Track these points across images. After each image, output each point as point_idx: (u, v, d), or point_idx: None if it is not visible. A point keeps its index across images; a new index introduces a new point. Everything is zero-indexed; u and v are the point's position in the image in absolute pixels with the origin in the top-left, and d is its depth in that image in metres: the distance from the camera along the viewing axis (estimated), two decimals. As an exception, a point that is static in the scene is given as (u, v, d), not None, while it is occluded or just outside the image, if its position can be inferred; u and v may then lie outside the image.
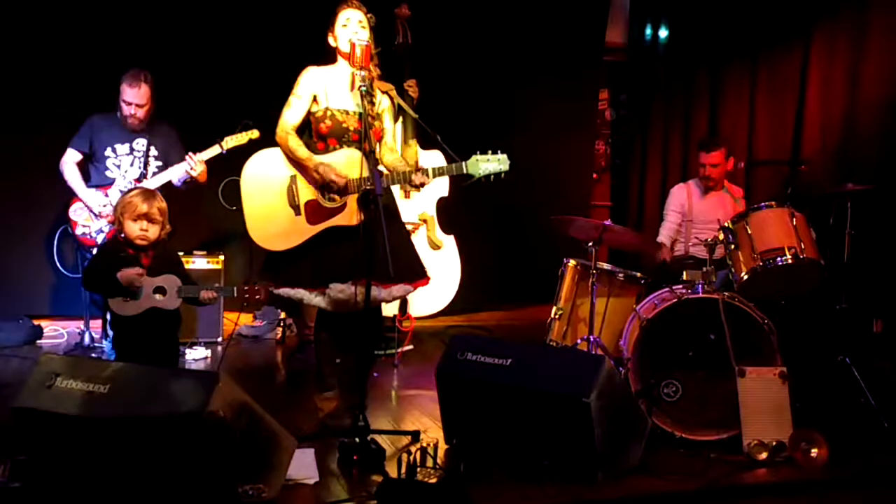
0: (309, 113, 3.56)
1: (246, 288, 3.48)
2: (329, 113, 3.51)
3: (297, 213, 3.46)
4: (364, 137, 3.36)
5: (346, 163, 3.44)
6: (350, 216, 3.44)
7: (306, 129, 3.61)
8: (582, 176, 7.04)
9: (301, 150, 3.47)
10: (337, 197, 3.46)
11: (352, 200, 3.44)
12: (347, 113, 3.51)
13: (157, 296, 3.39)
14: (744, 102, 6.04)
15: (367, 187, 3.35)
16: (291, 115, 3.52)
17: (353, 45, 3.40)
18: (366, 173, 3.37)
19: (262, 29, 5.54)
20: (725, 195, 4.94)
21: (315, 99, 3.54)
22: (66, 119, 4.88)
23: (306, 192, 3.49)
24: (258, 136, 4.63)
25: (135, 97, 4.61)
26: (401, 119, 4.98)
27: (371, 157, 3.30)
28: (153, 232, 3.45)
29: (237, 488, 2.43)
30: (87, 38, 5.25)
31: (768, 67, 5.89)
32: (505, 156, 3.47)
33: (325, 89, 3.53)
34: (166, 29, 5.39)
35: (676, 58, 6.64)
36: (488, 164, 3.42)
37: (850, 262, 4.06)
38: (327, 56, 3.63)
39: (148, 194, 3.51)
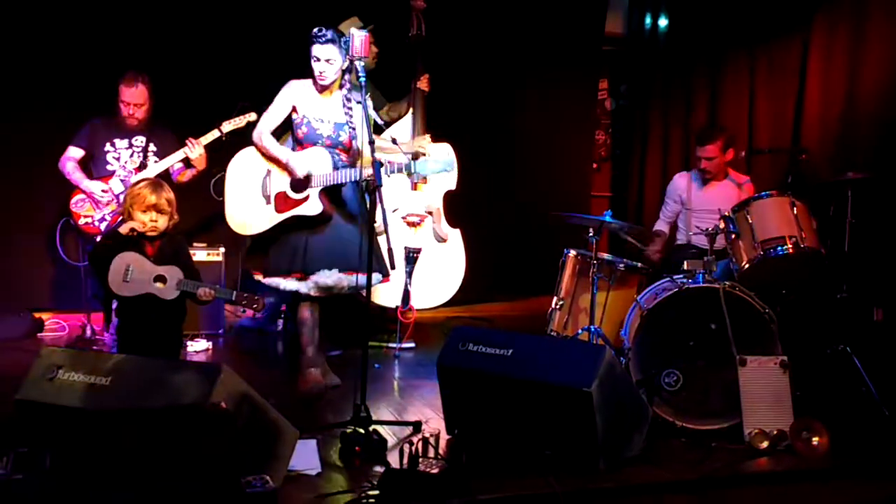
0: (290, 119, 3.92)
1: (245, 295, 3.54)
2: (306, 120, 3.86)
3: (268, 202, 3.86)
4: (368, 127, 3.54)
5: (313, 159, 3.81)
6: (313, 206, 3.78)
7: (287, 133, 3.98)
8: (582, 166, 7.03)
9: (274, 148, 3.89)
10: (301, 189, 3.81)
11: (314, 192, 3.78)
12: (322, 121, 3.88)
13: (158, 284, 3.41)
14: (744, 92, 6.02)
15: (368, 179, 3.55)
16: (268, 121, 3.94)
17: (352, 36, 3.50)
18: (329, 169, 3.77)
19: (257, 18, 5.53)
20: (729, 183, 4.91)
21: (295, 109, 3.90)
22: (66, 114, 4.89)
23: (277, 185, 3.88)
24: (255, 118, 4.63)
25: (132, 97, 4.67)
26: (409, 114, 5.06)
27: (373, 148, 3.43)
28: (162, 223, 3.49)
29: (240, 479, 2.44)
30: (86, 34, 5.26)
31: (768, 56, 5.87)
32: (452, 158, 4.15)
33: (305, 101, 3.90)
34: (163, 20, 5.38)
35: (676, 47, 6.62)
36: (436, 164, 3.81)
37: (851, 251, 4.05)
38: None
39: (156, 185, 3.54)
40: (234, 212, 3.93)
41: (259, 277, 3.90)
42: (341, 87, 3.89)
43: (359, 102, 3.74)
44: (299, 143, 3.90)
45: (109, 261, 3.38)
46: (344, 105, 3.86)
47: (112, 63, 4.85)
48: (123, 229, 3.46)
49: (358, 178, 3.72)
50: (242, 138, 4.52)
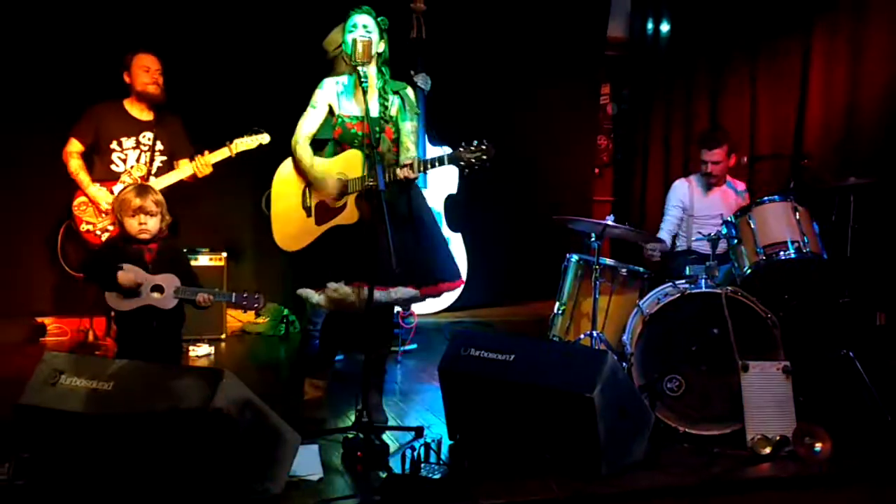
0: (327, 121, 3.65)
1: (245, 295, 3.49)
2: (340, 121, 3.59)
3: (309, 214, 3.58)
4: (372, 137, 3.38)
5: (345, 164, 3.51)
6: (350, 215, 3.49)
7: (329, 139, 3.68)
8: (584, 171, 7.03)
9: (305, 160, 3.58)
10: (340, 187, 3.51)
11: (351, 199, 3.50)
12: (355, 120, 3.57)
13: (155, 294, 3.39)
14: (745, 96, 6.03)
15: (370, 184, 3.37)
16: (306, 125, 3.62)
17: (354, 42, 3.43)
18: (359, 172, 3.43)
19: (277, 30, 5.52)
20: (728, 189, 4.92)
21: (331, 109, 3.63)
22: (66, 112, 4.79)
23: (318, 195, 3.58)
24: (269, 141, 4.61)
25: (153, 62, 4.57)
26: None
27: (373, 155, 3.32)
28: (152, 224, 3.47)
29: (242, 484, 2.44)
30: (87, 30, 5.20)
31: (770, 61, 5.88)
32: (490, 145, 3.46)
33: (338, 99, 3.62)
34: (177, 22, 5.34)
35: (678, 52, 6.63)
36: (471, 154, 3.44)
37: (853, 256, 4.05)
38: (327, 63, 3.66)
39: (141, 189, 3.53)
40: (279, 227, 3.63)
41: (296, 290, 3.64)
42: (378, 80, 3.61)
43: (395, 92, 3.59)
44: (337, 145, 3.63)
45: (105, 269, 3.37)
46: (381, 97, 3.59)
47: (114, 58, 4.71)
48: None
49: (393, 178, 3.43)
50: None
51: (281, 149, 3.78)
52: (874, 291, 4.59)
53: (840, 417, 3.43)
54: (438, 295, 3.67)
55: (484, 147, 3.45)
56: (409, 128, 3.65)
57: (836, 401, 3.65)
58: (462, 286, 3.79)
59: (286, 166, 3.68)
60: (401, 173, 3.45)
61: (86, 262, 3.56)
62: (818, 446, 3.11)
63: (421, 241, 3.60)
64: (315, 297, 3.50)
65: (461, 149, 3.47)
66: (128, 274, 3.35)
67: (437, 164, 3.50)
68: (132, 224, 3.44)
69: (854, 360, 3.73)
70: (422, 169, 3.49)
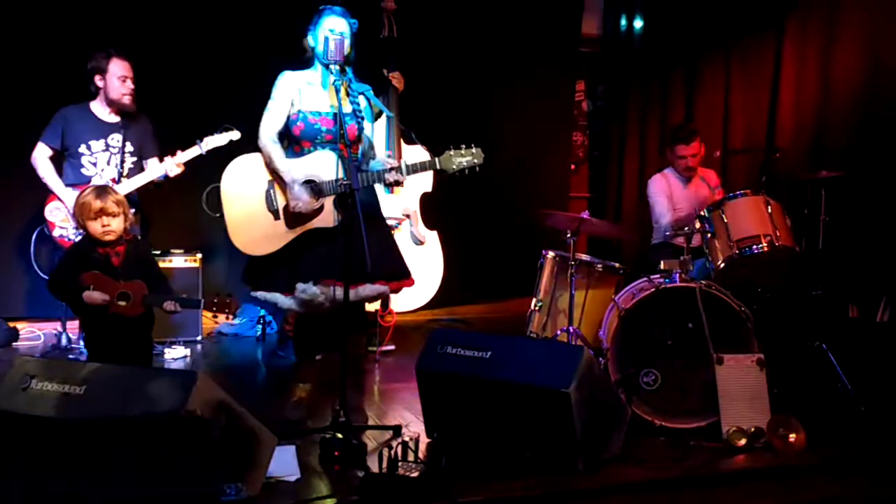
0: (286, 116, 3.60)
1: (215, 300, 3.45)
2: (301, 115, 3.54)
3: (277, 217, 3.51)
4: (345, 134, 3.38)
5: (319, 165, 3.47)
6: (327, 217, 3.46)
7: (285, 133, 3.64)
8: (560, 167, 7.05)
9: (278, 162, 3.52)
10: (314, 199, 3.47)
11: (328, 202, 3.47)
12: (320, 115, 3.54)
13: (121, 302, 3.35)
14: (719, 92, 6.08)
15: (342, 190, 3.36)
16: (272, 121, 3.56)
17: (328, 39, 3.42)
18: (340, 173, 3.40)
19: (244, 27, 5.49)
20: (701, 183, 4.97)
21: (292, 102, 3.58)
22: (39, 113, 4.72)
23: (285, 197, 3.52)
24: (239, 137, 4.57)
25: (128, 70, 4.54)
26: (384, 120, 5.00)
27: (347, 153, 3.32)
28: (115, 224, 3.42)
29: (217, 487, 2.42)
30: (59, 28, 5.15)
31: (742, 57, 5.94)
32: (479, 149, 3.50)
33: (300, 93, 3.57)
34: (144, 21, 5.29)
35: (652, 49, 6.67)
36: (462, 158, 3.46)
37: (825, 249, 4.10)
38: (306, 60, 3.64)
39: (100, 190, 3.49)
40: (240, 231, 3.53)
41: (251, 291, 3.63)
42: (343, 77, 3.56)
43: (360, 93, 3.57)
44: (296, 142, 3.59)
45: (71, 287, 3.33)
46: (350, 95, 3.57)
47: (86, 56, 4.64)
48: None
49: (375, 180, 3.40)
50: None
51: (252, 145, 3.73)
52: (846, 284, 4.65)
53: (814, 409, 3.47)
54: (398, 290, 3.67)
55: (473, 151, 3.46)
56: (370, 129, 3.64)
57: (809, 392, 3.69)
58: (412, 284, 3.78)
59: (237, 168, 3.57)
60: (390, 177, 3.43)
61: (51, 283, 3.50)
62: (792, 437, 3.15)
63: (386, 238, 3.59)
64: (286, 301, 3.46)
65: (450, 152, 3.45)
66: (94, 294, 3.31)
67: (422, 168, 3.49)
68: (95, 227, 3.39)
69: (827, 352, 3.78)
70: (409, 173, 3.48)
